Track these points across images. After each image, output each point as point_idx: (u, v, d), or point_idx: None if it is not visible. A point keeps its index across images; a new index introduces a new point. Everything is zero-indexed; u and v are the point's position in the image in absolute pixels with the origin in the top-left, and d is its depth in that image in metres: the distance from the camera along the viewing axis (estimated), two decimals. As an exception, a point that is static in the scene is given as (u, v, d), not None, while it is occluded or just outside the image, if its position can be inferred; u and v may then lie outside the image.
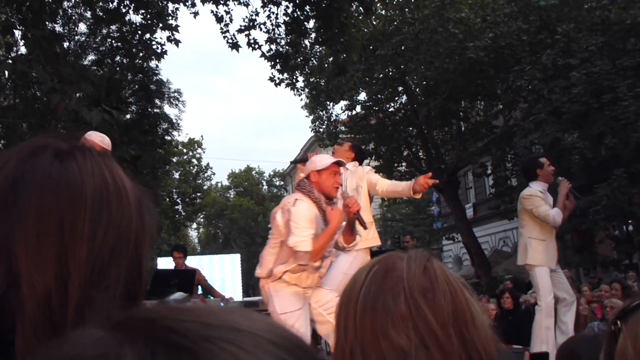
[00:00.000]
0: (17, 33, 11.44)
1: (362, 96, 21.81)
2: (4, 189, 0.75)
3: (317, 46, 13.71)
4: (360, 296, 0.99)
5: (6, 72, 9.04)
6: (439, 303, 0.95)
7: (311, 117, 23.08)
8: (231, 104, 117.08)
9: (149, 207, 0.86)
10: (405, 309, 0.95)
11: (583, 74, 13.95)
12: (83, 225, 0.75)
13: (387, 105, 21.91)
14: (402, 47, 18.33)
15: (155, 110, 20.40)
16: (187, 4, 11.90)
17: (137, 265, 0.81)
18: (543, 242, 6.22)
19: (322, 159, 4.55)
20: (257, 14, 11.89)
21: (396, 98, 21.83)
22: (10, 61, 10.00)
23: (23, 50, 13.15)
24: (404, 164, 22.53)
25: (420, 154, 22.15)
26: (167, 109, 22.21)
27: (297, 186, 4.60)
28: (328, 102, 21.74)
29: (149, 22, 10.81)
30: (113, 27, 13.94)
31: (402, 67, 18.76)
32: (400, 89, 21.01)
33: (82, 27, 17.56)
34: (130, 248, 0.79)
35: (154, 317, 0.46)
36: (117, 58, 16.61)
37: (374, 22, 19.34)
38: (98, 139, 4.42)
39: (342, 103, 21.63)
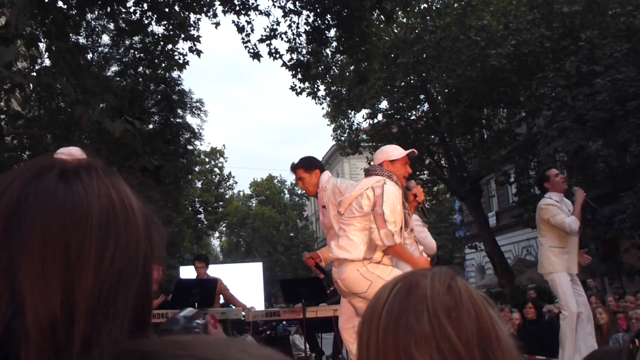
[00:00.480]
0: (42, 46, 11.60)
1: (384, 104, 21.80)
2: (7, 212, 0.72)
3: (338, 55, 13.70)
4: (383, 314, 0.97)
5: (31, 84, 9.12)
6: (464, 323, 0.93)
7: (333, 125, 23.09)
8: (252, 113, 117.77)
9: (157, 225, 0.83)
10: (428, 328, 0.92)
11: (608, 81, 13.80)
12: (89, 249, 0.71)
13: (409, 114, 21.86)
14: (424, 55, 18.29)
15: (177, 120, 20.52)
16: (209, 14, 11.99)
17: (146, 288, 0.78)
18: (563, 250, 6.19)
19: (395, 150, 4.80)
20: (278, 23, 11.95)
21: (418, 106, 21.77)
22: (35, 73, 10.12)
23: (47, 62, 13.32)
24: (426, 172, 22.43)
25: (443, 162, 22.04)
26: (190, 119, 22.33)
27: (370, 172, 4.75)
28: (349, 111, 21.74)
29: (171, 33, 10.90)
30: (136, 39, 14.11)
31: (423, 75, 18.71)
32: (422, 97, 20.96)
33: (105, 38, 17.77)
34: (139, 271, 0.76)
35: (149, 352, 0.44)
36: (140, 69, 16.77)
37: (395, 30, 19.32)
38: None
39: (364, 111, 21.63)
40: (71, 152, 3.72)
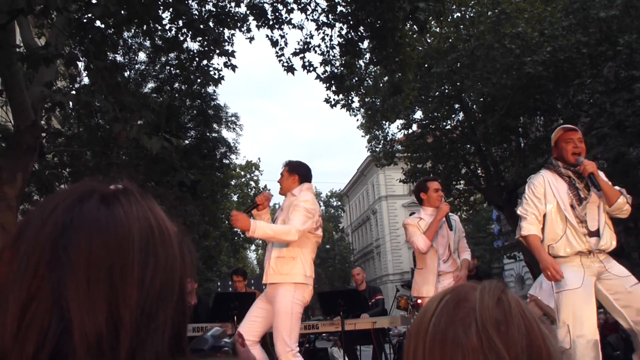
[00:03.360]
0: (81, 64, 11.82)
1: (418, 115, 21.73)
2: (53, 236, 0.76)
3: (372, 66, 13.71)
4: (430, 327, 0.96)
5: (71, 103, 9.30)
6: (513, 337, 0.91)
7: (367, 137, 23.08)
8: (284, 127, 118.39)
9: (188, 246, 0.88)
10: (476, 341, 0.91)
11: (647, 86, 13.59)
12: (132, 269, 0.76)
13: (444, 123, 21.75)
14: (458, 64, 18.20)
15: (213, 134, 20.70)
16: (243, 29, 12.10)
17: (182, 304, 0.82)
18: (420, 271, 6.16)
19: (554, 132, 4.78)
20: (311, 36, 12.01)
21: (453, 116, 21.66)
22: (74, 92, 10.31)
23: (86, 80, 13.57)
24: (462, 182, 22.28)
25: (479, 171, 21.86)
26: (225, 133, 22.51)
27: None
28: (384, 122, 21.70)
29: (206, 49, 11.02)
30: (171, 55, 14.27)
31: (458, 84, 18.61)
32: (456, 106, 20.84)
33: (142, 56, 18.04)
34: (176, 288, 0.81)
35: None
36: (176, 85, 16.99)
37: (429, 40, 19.27)
38: None
39: (398, 122, 21.59)
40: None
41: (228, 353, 1.01)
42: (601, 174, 4.62)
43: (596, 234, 4.53)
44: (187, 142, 18.80)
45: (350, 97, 14.35)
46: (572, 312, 4.36)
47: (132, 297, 0.75)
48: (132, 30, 14.45)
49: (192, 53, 11.52)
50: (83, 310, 0.72)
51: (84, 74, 13.69)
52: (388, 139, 22.56)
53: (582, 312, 4.34)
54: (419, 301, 6.13)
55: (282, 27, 11.91)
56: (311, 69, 11.78)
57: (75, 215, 0.77)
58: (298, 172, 5.49)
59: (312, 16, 11.73)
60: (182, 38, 10.79)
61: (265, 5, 11.85)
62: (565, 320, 4.37)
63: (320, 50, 11.96)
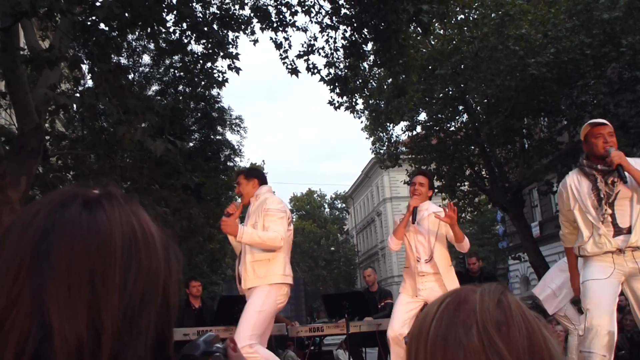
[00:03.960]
0: (85, 67, 11.84)
1: (423, 116, 21.70)
2: (35, 241, 0.75)
3: (376, 68, 13.71)
4: (431, 329, 0.96)
5: (75, 105, 9.32)
6: (514, 337, 0.91)
7: (371, 139, 23.06)
8: (288, 130, 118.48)
9: (174, 250, 0.87)
10: (477, 342, 0.91)
11: (651, 87, 13.56)
12: (114, 274, 0.75)
13: (448, 125, 21.72)
14: (462, 66, 18.18)
15: (217, 137, 20.70)
16: (247, 32, 12.12)
17: (166, 309, 0.82)
18: (407, 270, 6.10)
19: (583, 128, 4.69)
20: (315, 39, 12.02)
21: (457, 117, 21.62)
22: (78, 95, 10.34)
23: (90, 83, 13.60)
24: (466, 183, 22.24)
25: (483, 172, 21.83)
26: (229, 136, 22.52)
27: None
28: (388, 124, 21.68)
29: (210, 51, 11.04)
30: (176, 58, 14.31)
31: (462, 86, 18.59)
32: (460, 108, 20.81)
33: (146, 58, 18.07)
34: (160, 293, 0.80)
35: None
36: (180, 87, 17.01)
37: (433, 42, 19.26)
38: None
39: (403, 124, 21.54)
40: None
41: (219, 358, 1.00)
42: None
43: (628, 231, 4.41)
44: (191, 144, 18.82)
45: (354, 99, 14.35)
46: (593, 300, 4.35)
47: (113, 302, 0.74)
48: (136, 33, 14.48)
49: (196, 55, 11.54)
50: (63, 315, 0.71)
51: (88, 77, 13.71)
52: (392, 140, 22.54)
53: (602, 301, 4.32)
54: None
55: (286, 29, 11.93)
56: (315, 71, 11.79)
57: (57, 220, 0.77)
58: (255, 176, 5.54)
59: (316, 18, 11.75)
60: (186, 41, 10.81)
61: (269, 7, 11.88)
62: (586, 307, 4.38)
63: (324, 52, 11.97)
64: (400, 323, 5.66)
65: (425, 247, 5.89)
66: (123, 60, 16.22)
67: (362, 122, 22.30)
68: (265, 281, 5.08)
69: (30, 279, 0.73)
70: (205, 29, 10.75)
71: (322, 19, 11.71)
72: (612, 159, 4.37)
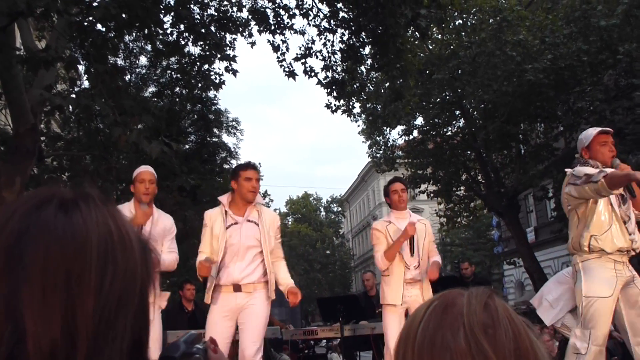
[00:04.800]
0: (81, 68, 11.83)
1: (419, 121, 21.73)
2: (9, 243, 0.74)
3: (374, 72, 13.71)
4: (418, 332, 0.97)
5: (70, 106, 9.31)
6: (500, 340, 0.91)
7: (368, 142, 23.08)
8: (284, 133, 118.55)
9: (151, 252, 0.86)
10: (464, 345, 0.91)
11: (647, 94, 13.59)
12: (89, 277, 0.74)
13: (445, 130, 21.75)
14: (459, 71, 18.21)
15: (213, 139, 20.70)
16: (244, 34, 12.12)
17: (143, 312, 0.81)
18: (388, 279, 6.02)
19: (587, 134, 4.71)
20: (313, 42, 12.02)
21: (454, 122, 21.66)
22: (74, 95, 10.33)
23: (86, 84, 13.58)
24: (462, 188, 22.28)
25: (479, 177, 21.86)
26: (226, 138, 22.51)
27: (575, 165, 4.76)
28: (385, 128, 21.70)
29: (207, 53, 11.03)
30: (172, 59, 14.29)
31: (459, 90, 18.62)
32: (457, 112, 20.85)
33: (143, 60, 18.06)
34: (136, 295, 0.79)
35: None
36: (177, 89, 17.00)
37: (430, 47, 19.29)
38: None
39: (399, 128, 21.57)
40: (139, 169, 4.05)
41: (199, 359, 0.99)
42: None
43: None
44: (187, 146, 18.80)
45: (351, 103, 14.35)
46: (599, 322, 4.41)
47: (88, 305, 0.73)
48: (133, 34, 14.46)
49: (193, 57, 11.54)
50: (37, 319, 0.70)
51: (84, 78, 13.72)
52: (389, 144, 22.56)
53: (605, 322, 4.42)
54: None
55: (284, 32, 11.93)
56: (312, 74, 11.79)
57: (32, 223, 0.76)
58: None
59: (314, 22, 11.76)
60: (183, 42, 10.80)
61: (267, 10, 11.88)
62: (589, 326, 4.42)
63: (322, 55, 11.97)
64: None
65: (414, 253, 5.87)
66: (120, 62, 16.20)
67: (358, 125, 22.33)
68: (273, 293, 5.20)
69: (3, 282, 0.72)
70: (203, 30, 10.74)
71: (320, 22, 11.72)
72: (621, 170, 4.45)
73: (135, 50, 17.48)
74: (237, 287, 5.07)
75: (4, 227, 0.76)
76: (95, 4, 7.58)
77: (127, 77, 16.67)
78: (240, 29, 11.89)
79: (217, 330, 4.97)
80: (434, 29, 16.77)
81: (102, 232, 0.78)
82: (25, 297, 0.71)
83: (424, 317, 0.98)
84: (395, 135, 26.03)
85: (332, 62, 11.99)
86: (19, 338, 0.70)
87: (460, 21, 18.70)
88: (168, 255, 5.25)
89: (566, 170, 4.78)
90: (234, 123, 22.52)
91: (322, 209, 61.69)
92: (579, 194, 4.55)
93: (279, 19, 11.84)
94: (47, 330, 0.70)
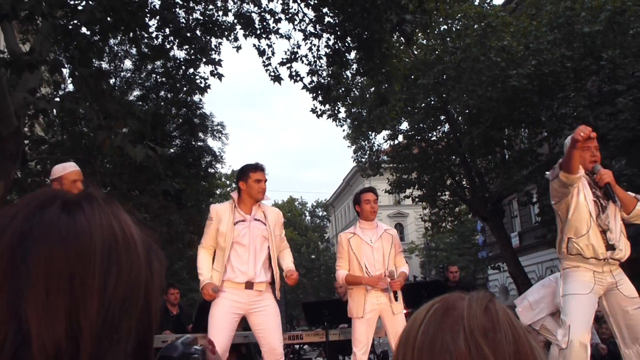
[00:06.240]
0: (65, 71, 11.75)
1: (404, 125, 21.81)
2: (12, 244, 0.73)
3: (359, 77, 13.74)
4: (418, 334, 0.96)
5: (55, 110, 9.24)
6: (500, 344, 0.91)
7: (353, 147, 23.13)
8: (270, 137, 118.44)
9: (157, 252, 0.85)
10: (464, 348, 0.91)
11: (630, 100, 13.69)
12: (93, 278, 0.73)
13: (430, 135, 21.84)
14: (444, 76, 18.29)
15: (198, 143, 20.64)
16: (230, 38, 12.10)
17: (148, 314, 0.80)
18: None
19: (567, 141, 4.63)
20: (298, 46, 12.02)
21: (438, 127, 21.75)
22: (58, 99, 10.26)
23: (71, 87, 13.49)
24: (447, 193, 22.36)
25: (464, 182, 21.95)
26: (211, 142, 22.46)
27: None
28: (370, 132, 21.75)
29: (193, 57, 11.00)
30: (158, 63, 14.25)
31: (444, 96, 18.70)
32: (442, 117, 20.94)
33: (128, 63, 17.98)
34: (141, 297, 0.78)
35: None
36: (162, 93, 16.94)
37: (416, 52, 19.36)
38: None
39: (384, 133, 21.64)
40: (65, 167, 3.90)
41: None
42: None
43: (611, 247, 4.54)
44: (172, 150, 18.72)
45: (336, 108, 14.37)
46: (575, 315, 4.45)
47: (93, 307, 0.72)
48: (118, 38, 14.41)
49: (178, 61, 11.51)
50: (41, 321, 0.70)
51: (69, 81, 13.62)
52: (374, 149, 22.61)
53: (584, 317, 4.44)
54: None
55: (270, 36, 11.93)
56: (298, 78, 11.80)
57: (35, 224, 0.75)
58: None
59: (300, 26, 11.76)
60: (168, 46, 10.77)
61: (253, 14, 11.87)
62: (567, 321, 4.45)
63: (308, 60, 11.98)
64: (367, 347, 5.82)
65: (380, 264, 5.89)
66: (104, 65, 16.13)
67: (344, 130, 22.41)
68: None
69: (7, 283, 0.71)
70: (188, 34, 10.72)
71: (306, 27, 11.73)
72: (601, 176, 4.48)
73: (120, 54, 17.41)
74: (249, 285, 5.10)
75: (6, 228, 0.75)
76: (80, 7, 7.54)
77: (112, 81, 16.60)
78: (226, 33, 11.87)
79: (224, 323, 5.00)
80: (419, 35, 16.81)
81: (105, 233, 0.77)
82: (28, 299, 0.70)
83: (424, 320, 0.97)
84: (381, 140, 26.13)
85: (318, 67, 12.01)
86: (23, 339, 0.69)
87: (445, 27, 18.79)
88: None
89: (545, 173, 4.82)
90: (219, 127, 22.49)
91: (307, 214, 61.68)
92: (553, 194, 4.62)
93: (264, 24, 11.84)
94: (51, 332, 0.70)
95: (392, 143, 22.04)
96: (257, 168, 5.24)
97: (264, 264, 5.19)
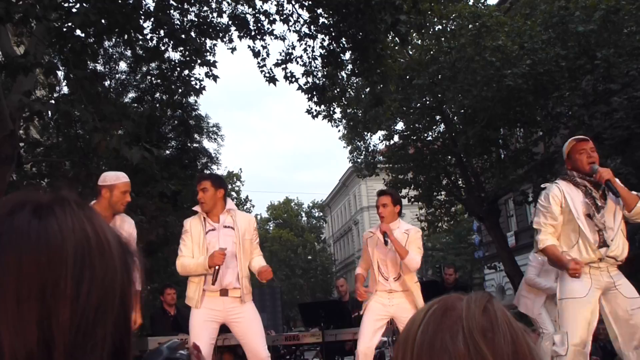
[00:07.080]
0: (60, 74, 11.73)
1: (400, 126, 21.80)
2: None
3: (354, 77, 13.75)
4: (418, 334, 0.97)
5: (50, 112, 9.22)
6: (499, 344, 0.92)
7: (349, 148, 23.13)
8: (265, 139, 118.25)
9: (134, 256, 0.83)
10: (463, 348, 0.92)
11: (624, 99, 13.72)
12: (65, 285, 0.71)
13: (425, 135, 21.83)
14: (439, 76, 18.29)
15: (194, 145, 20.62)
16: (225, 40, 12.10)
17: (124, 319, 0.78)
18: None
19: (566, 145, 4.77)
20: (293, 47, 12.03)
21: (434, 127, 21.74)
22: (53, 101, 10.24)
23: (66, 90, 13.46)
24: (443, 193, 22.37)
25: (460, 182, 21.96)
26: (206, 144, 22.42)
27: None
28: (366, 133, 21.76)
29: (188, 59, 11.00)
30: (152, 65, 14.22)
31: (439, 96, 18.70)
32: (438, 117, 20.93)
33: (123, 65, 17.96)
34: (116, 302, 0.76)
35: None
36: (157, 95, 16.91)
37: (410, 52, 19.36)
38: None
39: (380, 133, 21.63)
40: (119, 177, 3.93)
41: None
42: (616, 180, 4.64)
43: (606, 244, 4.56)
44: (167, 152, 18.70)
45: (332, 108, 14.38)
46: (573, 320, 4.44)
47: (65, 315, 0.70)
48: (113, 40, 14.39)
49: (173, 63, 11.50)
50: (12, 331, 0.68)
51: (64, 83, 13.59)
52: (370, 150, 22.61)
53: (582, 322, 4.43)
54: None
55: (264, 37, 11.94)
56: (293, 79, 11.81)
57: (5, 230, 0.73)
58: (224, 186, 5.51)
59: (295, 27, 11.77)
60: (163, 48, 10.77)
61: (248, 16, 11.88)
62: (564, 327, 4.45)
63: (302, 61, 11.99)
64: (369, 336, 5.69)
65: (395, 265, 5.89)
66: (99, 67, 16.11)
67: (339, 131, 22.38)
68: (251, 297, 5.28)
69: None
70: (183, 36, 10.71)
71: (301, 28, 11.74)
72: (600, 174, 4.50)
73: (115, 56, 17.39)
74: (223, 292, 5.13)
75: None
76: (74, 10, 7.53)
77: (107, 83, 16.59)
78: (221, 34, 11.88)
79: (203, 332, 5.04)
80: (414, 35, 16.85)
81: (78, 238, 0.75)
82: None
83: (423, 320, 0.98)
84: (376, 140, 26.12)
85: (313, 68, 12.01)
86: None
87: (440, 27, 18.80)
88: None
89: (542, 186, 4.89)
90: (214, 129, 22.48)
91: (303, 214, 61.56)
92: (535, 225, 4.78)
93: (259, 25, 11.84)
94: (22, 341, 0.68)
95: (387, 143, 22.04)
96: (199, 178, 5.56)
97: (234, 270, 5.20)
